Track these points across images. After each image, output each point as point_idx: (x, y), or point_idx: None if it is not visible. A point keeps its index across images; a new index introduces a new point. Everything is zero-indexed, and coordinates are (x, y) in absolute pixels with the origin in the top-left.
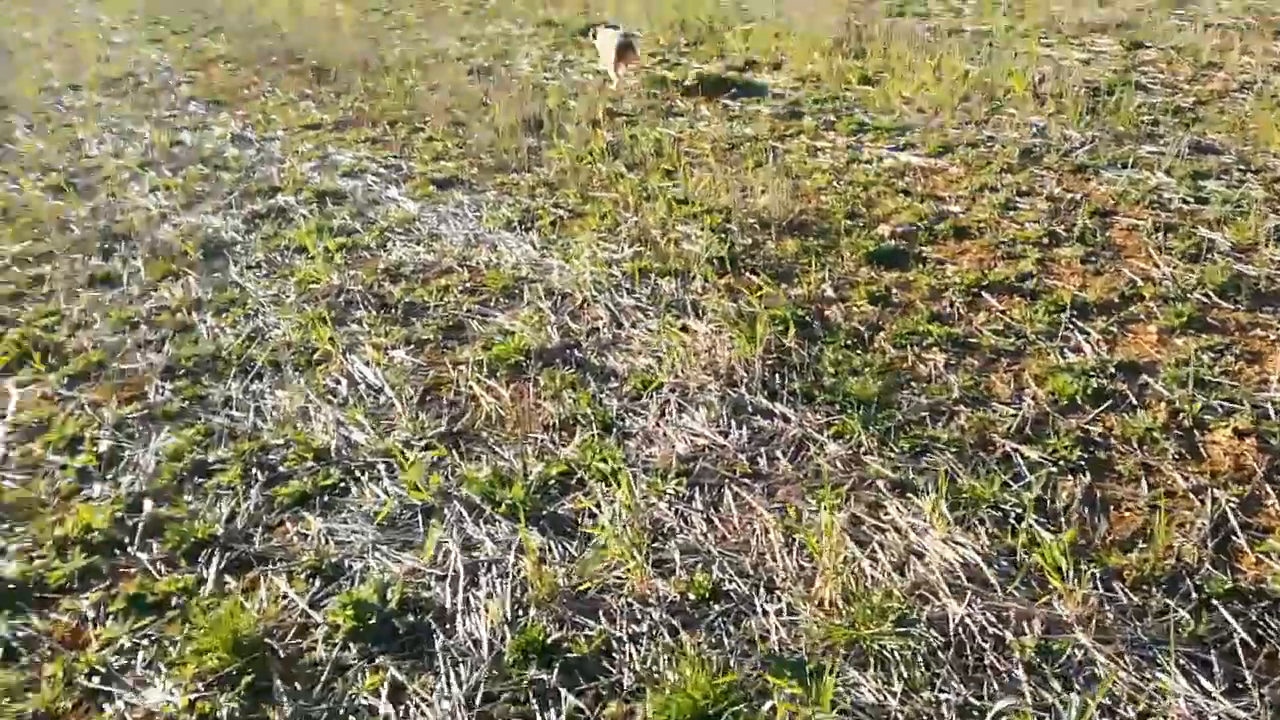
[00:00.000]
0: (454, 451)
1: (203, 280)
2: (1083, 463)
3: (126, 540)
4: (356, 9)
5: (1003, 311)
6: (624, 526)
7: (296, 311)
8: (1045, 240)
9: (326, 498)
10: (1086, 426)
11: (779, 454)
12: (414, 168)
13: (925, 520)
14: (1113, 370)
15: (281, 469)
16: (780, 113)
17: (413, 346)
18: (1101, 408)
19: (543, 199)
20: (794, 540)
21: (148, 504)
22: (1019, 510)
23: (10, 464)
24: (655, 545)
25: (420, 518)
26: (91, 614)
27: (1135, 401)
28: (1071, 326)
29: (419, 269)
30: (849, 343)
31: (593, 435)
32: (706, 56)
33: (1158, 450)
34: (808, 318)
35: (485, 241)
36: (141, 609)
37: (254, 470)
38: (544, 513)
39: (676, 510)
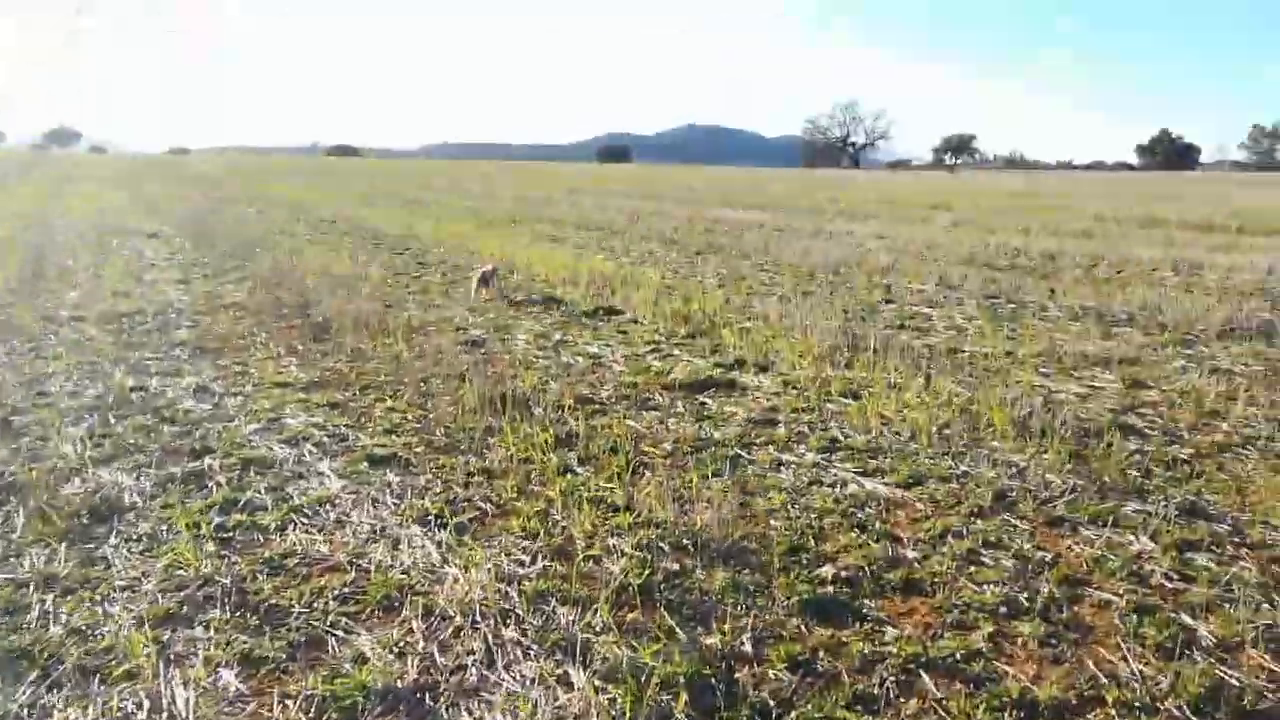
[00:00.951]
0: None
1: (72, 551)
2: None
3: None
4: (386, 271)
5: (939, 700)
6: None
7: (148, 604)
8: (1003, 609)
9: None
10: None
11: None
12: (359, 439)
13: None
14: None
15: None
16: (755, 418)
17: (247, 667)
18: None
19: (476, 489)
20: None
21: None
22: None
23: None
24: None
25: None
26: None
27: None
28: None
29: (305, 562)
30: None
31: None
32: (701, 351)
33: None
34: (713, 679)
35: (389, 536)
36: None
37: None
38: None
39: None
